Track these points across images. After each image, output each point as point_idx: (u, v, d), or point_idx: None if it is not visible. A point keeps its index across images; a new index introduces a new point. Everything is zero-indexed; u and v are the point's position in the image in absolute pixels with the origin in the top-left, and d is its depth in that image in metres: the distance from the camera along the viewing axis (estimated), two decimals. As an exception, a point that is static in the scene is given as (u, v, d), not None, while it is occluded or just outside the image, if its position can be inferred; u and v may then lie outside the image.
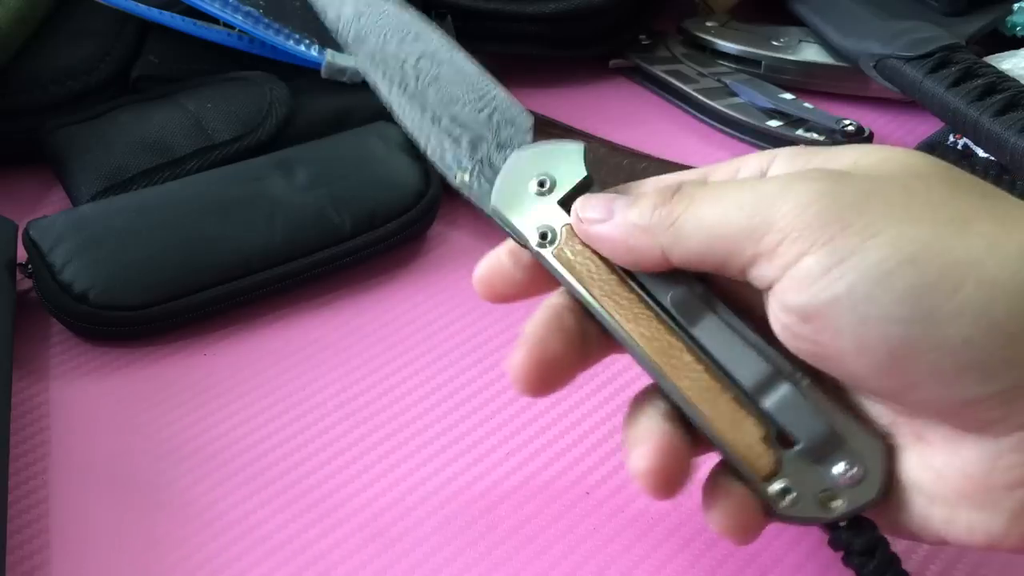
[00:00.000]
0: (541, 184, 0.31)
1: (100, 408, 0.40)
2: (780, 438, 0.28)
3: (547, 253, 0.30)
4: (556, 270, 0.30)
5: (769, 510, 0.28)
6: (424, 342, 0.43)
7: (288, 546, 0.34)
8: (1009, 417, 0.25)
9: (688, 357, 0.28)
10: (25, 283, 0.44)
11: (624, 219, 0.29)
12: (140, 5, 0.52)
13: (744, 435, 0.28)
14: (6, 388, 0.38)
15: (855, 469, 0.27)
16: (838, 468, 0.27)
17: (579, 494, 0.36)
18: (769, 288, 0.27)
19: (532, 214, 0.30)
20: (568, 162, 0.31)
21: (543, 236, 0.30)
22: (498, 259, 0.32)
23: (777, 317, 0.27)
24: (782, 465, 0.27)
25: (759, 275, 0.27)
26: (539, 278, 0.31)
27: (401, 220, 0.46)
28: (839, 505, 0.27)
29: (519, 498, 0.36)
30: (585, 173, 0.30)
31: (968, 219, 0.25)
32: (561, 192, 0.30)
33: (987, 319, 0.24)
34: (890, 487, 0.27)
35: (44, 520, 0.35)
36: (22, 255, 0.43)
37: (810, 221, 0.26)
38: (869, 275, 0.25)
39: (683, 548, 0.34)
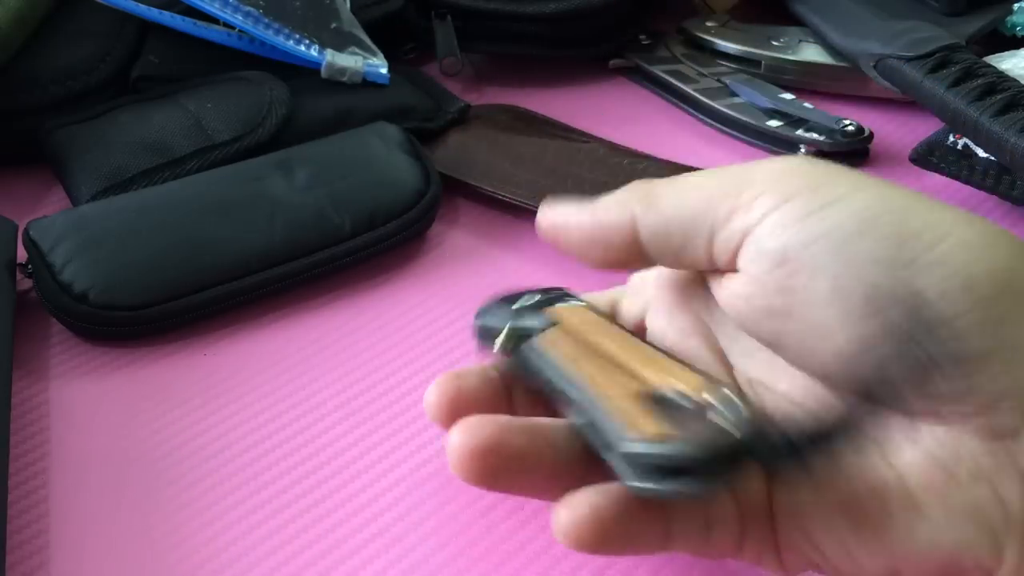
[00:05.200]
0: None
1: (100, 408, 0.40)
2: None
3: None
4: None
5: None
6: (424, 342, 0.43)
7: (288, 546, 0.34)
8: (969, 395, 0.24)
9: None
10: (25, 283, 0.44)
11: (596, 203, 0.30)
12: (140, 5, 0.52)
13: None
14: (6, 388, 0.38)
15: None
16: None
17: (579, 494, 0.36)
18: (738, 245, 0.27)
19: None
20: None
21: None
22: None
23: (745, 271, 0.27)
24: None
25: (733, 230, 0.27)
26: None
27: (401, 220, 0.46)
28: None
29: (519, 498, 0.36)
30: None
31: (930, 199, 0.26)
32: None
33: (964, 276, 0.24)
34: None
35: (44, 520, 0.35)
36: (22, 255, 0.44)
37: (791, 177, 0.27)
38: (855, 217, 0.25)
39: (683, 548, 0.34)
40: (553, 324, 0.31)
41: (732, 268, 0.28)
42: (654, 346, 0.30)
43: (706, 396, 0.26)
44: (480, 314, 0.33)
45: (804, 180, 0.26)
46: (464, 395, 0.30)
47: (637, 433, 0.25)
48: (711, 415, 0.25)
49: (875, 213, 0.25)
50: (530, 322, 0.31)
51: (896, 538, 0.25)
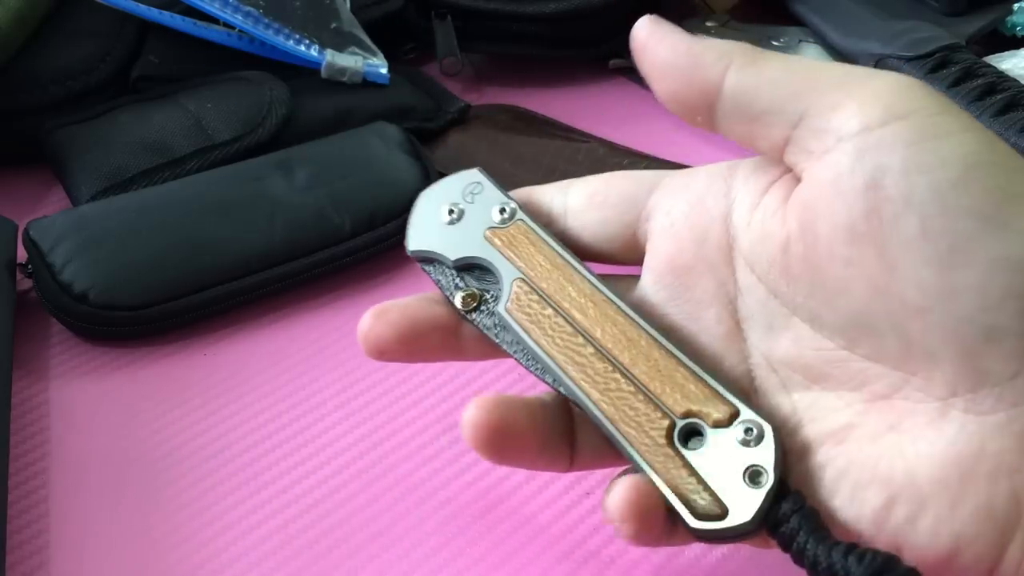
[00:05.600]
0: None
1: (100, 408, 0.40)
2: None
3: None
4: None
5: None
6: (424, 342, 0.43)
7: (288, 546, 0.34)
8: (1013, 379, 0.23)
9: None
10: (25, 283, 0.44)
11: (700, 37, 0.28)
12: (140, 5, 0.52)
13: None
14: (6, 388, 0.38)
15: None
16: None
17: (579, 494, 0.36)
18: (826, 147, 0.25)
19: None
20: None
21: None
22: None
23: (823, 179, 0.25)
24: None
25: (826, 126, 0.25)
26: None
27: (401, 220, 0.46)
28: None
29: (519, 498, 0.36)
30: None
31: None
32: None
33: None
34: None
35: (44, 520, 0.35)
36: (22, 255, 0.44)
37: (909, 95, 0.25)
38: (962, 161, 0.24)
39: (683, 549, 0.34)
40: (504, 254, 0.31)
41: (795, 162, 0.26)
42: (635, 317, 0.29)
43: (741, 434, 0.26)
44: (412, 226, 0.34)
45: (922, 103, 0.25)
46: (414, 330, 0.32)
47: (684, 500, 0.26)
48: (758, 477, 0.26)
49: (982, 161, 0.24)
50: (477, 258, 0.32)
51: (896, 525, 0.25)
